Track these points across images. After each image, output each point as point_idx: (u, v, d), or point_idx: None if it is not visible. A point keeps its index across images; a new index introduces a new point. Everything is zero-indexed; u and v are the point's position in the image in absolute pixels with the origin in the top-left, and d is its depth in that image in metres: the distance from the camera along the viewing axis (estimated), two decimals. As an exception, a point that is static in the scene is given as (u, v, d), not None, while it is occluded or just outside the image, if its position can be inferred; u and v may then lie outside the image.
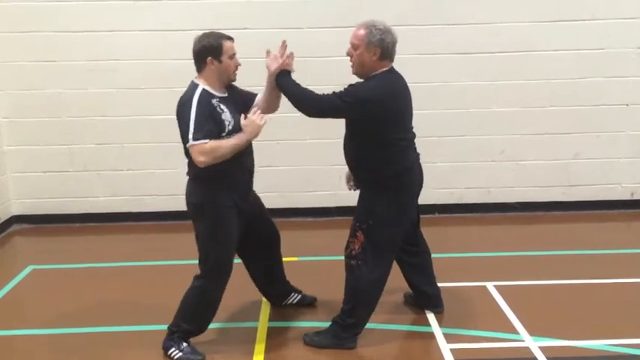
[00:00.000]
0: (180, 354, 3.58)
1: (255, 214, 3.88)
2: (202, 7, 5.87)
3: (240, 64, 3.57)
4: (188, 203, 3.61)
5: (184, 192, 3.64)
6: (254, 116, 3.45)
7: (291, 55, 3.61)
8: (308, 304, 4.29)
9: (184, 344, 3.62)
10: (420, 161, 3.81)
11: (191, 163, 3.54)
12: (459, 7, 5.93)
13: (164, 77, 5.94)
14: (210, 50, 3.44)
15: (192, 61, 3.53)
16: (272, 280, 4.20)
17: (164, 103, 5.99)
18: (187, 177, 3.62)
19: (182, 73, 5.85)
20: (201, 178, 3.52)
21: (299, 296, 4.30)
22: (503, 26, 5.96)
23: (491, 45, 5.99)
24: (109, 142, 6.14)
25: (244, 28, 5.85)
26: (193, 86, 3.48)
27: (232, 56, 3.50)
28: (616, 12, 5.94)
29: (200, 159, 3.35)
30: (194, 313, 3.62)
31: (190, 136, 3.34)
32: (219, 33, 3.51)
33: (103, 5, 5.85)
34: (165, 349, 3.63)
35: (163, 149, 6.08)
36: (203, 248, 3.58)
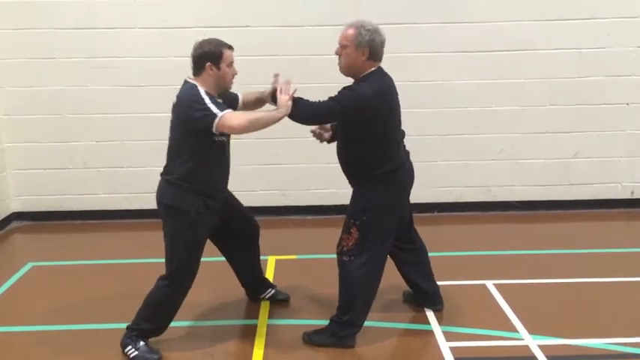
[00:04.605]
0: (137, 352, 3.59)
1: (230, 213, 3.89)
2: (203, 4, 5.86)
3: (237, 73, 3.59)
4: (159, 203, 3.61)
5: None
6: (281, 95, 3.50)
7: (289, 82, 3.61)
8: (281, 299, 4.32)
9: (141, 343, 3.62)
10: (418, 160, 3.84)
11: (172, 165, 3.57)
12: (459, 5, 5.93)
13: (164, 75, 5.93)
14: (210, 56, 3.46)
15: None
16: (251, 274, 4.25)
17: (164, 101, 5.95)
18: (161, 176, 3.63)
19: (182, 70, 5.85)
20: (176, 182, 3.52)
21: (272, 291, 4.34)
22: (503, 25, 5.96)
23: (491, 43, 5.99)
24: (108, 140, 6.14)
25: (246, 26, 5.86)
26: (193, 85, 3.48)
27: (230, 64, 3.53)
28: (616, 11, 5.94)
29: (235, 122, 3.35)
30: (156, 314, 3.64)
31: (215, 110, 3.35)
32: (219, 40, 3.53)
33: (103, 2, 5.84)
34: (123, 346, 3.64)
35: (163, 147, 5.99)
36: (169, 250, 3.58)
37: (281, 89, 3.52)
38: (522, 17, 5.95)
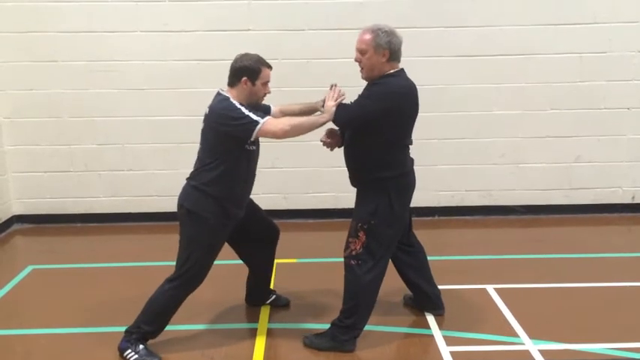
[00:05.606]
0: (136, 356, 3.58)
1: (251, 217, 3.89)
2: (204, 8, 5.87)
3: (269, 92, 3.63)
4: (180, 206, 3.61)
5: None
6: (328, 101, 3.56)
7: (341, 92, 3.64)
8: (282, 305, 4.32)
9: (141, 346, 3.61)
10: (419, 163, 3.83)
11: (199, 171, 3.56)
12: (460, 9, 5.94)
13: (165, 78, 5.95)
14: (248, 71, 3.51)
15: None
16: (266, 279, 4.26)
17: (165, 104, 6.04)
18: (187, 180, 3.63)
19: (183, 74, 5.95)
20: (201, 187, 3.53)
21: (274, 296, 4.34)
22: (504, 29, 5.97)
23: (492, 48, 6.00)
24: (109, 143, 6.15)
25: (247, 30, 5.86)
26: (225, 97, 3.51)
27: (266, 83, 3.58)
28: (617, 16, 5.95)
29: (277, 127, 3.40)
30: (158, 316, 3.64)
31: (255, 118, 3.40)
32: (261, 58, 3.58)
33: (105, 6, 5.86)
34: (122, 350, 3.63)
35: (164, 150, 6.09)
36: (184, 253, 3.60)
37: (330, 96, 3.56)
38: (524, 22, 5.96)
